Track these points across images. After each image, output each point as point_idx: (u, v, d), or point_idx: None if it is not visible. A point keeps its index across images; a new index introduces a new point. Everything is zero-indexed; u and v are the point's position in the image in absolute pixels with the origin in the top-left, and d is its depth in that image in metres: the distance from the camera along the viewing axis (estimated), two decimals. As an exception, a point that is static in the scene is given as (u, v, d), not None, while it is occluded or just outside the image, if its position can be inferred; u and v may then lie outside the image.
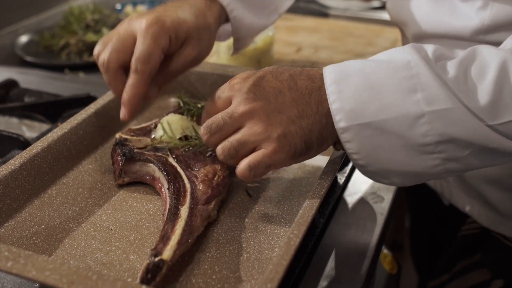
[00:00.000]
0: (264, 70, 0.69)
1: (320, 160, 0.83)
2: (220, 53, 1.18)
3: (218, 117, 0.67)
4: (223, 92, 0.69)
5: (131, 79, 0.75)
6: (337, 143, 0.68)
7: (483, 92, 0.62)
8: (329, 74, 0.66)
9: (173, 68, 0.80)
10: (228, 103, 0.68)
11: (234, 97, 0.67)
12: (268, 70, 0.69)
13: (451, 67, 0.64)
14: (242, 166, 0.65)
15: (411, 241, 1.32)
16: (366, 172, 0.69)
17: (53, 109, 1.05)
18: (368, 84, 0.63)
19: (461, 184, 1.03)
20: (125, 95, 0.76)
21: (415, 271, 1.29)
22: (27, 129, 1.04)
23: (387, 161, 0.65)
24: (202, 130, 0.68)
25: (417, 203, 1.23)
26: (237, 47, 0.97)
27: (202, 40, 0.81)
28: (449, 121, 0.62)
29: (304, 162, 0.82)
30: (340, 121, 0.64)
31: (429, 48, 0.66)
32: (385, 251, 1.07)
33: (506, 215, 0.97)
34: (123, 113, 0.77)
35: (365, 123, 0.63)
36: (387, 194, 0.84)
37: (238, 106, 0.66)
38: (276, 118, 0.65)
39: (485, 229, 1.01)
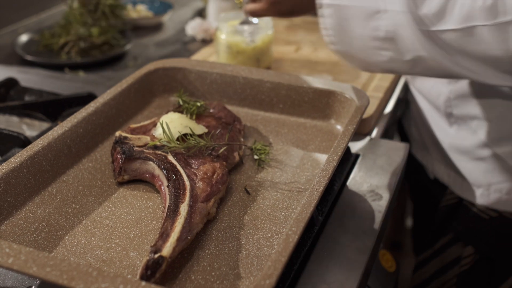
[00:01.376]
0: None
1: (319, 158, 0.83)
2: (220, 52, 1.18)
3: None
4: None
5: None
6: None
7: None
8: None
9: None
10: None
11: None
12: None
13: None
14: (247, 8, 1.00)
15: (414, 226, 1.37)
16: (334, 51, 0.85)
17: (53, 108, 1.05)
18: None
19: (440, 155, 1.11)
20: None
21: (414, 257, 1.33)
22: (27, 127, 1.04)
23: (348, 45, 0.83)
24: None
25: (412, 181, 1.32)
26: None
27: None
28: (395, 22, 0.76)
29: (302, 160, 0.83)
30: None
31: None
32: (383, 249, 1.08)
33: (475, 183, 1.04)
34: None
35: (336, 4, 0.80)
36: (386, 192, 0.84)
37: None
38: None
39: (461, 199, 1.08)
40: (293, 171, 0.81)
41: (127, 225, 0.71)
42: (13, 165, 0.72)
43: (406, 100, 1.26)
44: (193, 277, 0.63)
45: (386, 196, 0.84)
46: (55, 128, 0.80)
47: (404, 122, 1.28)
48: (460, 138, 1.04)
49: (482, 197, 1.04)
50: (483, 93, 0.99)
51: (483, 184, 1.03)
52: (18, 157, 0.73)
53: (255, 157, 0.83)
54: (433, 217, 1.15)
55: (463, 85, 1.01)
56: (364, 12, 0.78)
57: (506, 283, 1.04)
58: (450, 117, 1.04)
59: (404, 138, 1.28)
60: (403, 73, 0.96)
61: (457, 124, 1.04)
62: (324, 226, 0.77)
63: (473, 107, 1.00)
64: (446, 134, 1.07)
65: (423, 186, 1.23)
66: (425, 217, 1.27)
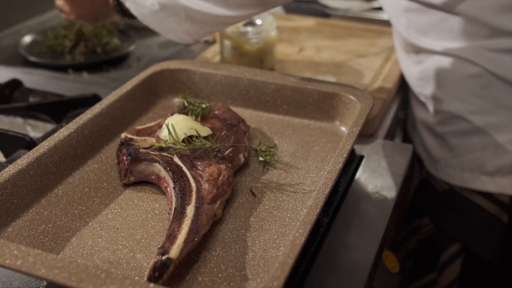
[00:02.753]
0: None
1: (324, 160, 0.84)
2: (223, 54, 1.18)
3: None
4: None
5: None
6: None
7: None
8: None
9: None
10: None
11: None
12: None
13: None
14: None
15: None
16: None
17: (57, 109, 1.05)
18: None
19: (414, 130, 1.20)
20: None
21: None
22: (32, 129, 1.04)
23: (149, 23, 0.98)
24: None
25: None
26: None
27: None
28: None
29: (307, 161, 0.83)
30: None
31: None
32: (387, 250, 1.08)
33: (435, 158, 1.12)
34: None
35: None
36: (390, 193, 0.85)
37: None
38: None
39: (429, 174, 1.15)
40: (298, 173, 0.81)
41: (134, 227, 0.71)
42: (19, 167, 0.72)
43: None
44: (200, 279, 0.63)
45: (390, 197, 0.84)
46: (61, 130, 0.80)
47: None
48: (427, 116, 1.12)
49: (439, 171, 1.12)
50: (441, 75, 1.06)
51: (440, 159, 1.11)
52: (25, 159, 0.73)
53: (260, 158, 0.83)
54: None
55: (426, 67, 1.09)
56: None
57: (448, 251, 1.11)
58: (420, 95, 1.12)
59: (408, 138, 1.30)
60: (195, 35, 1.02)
61: (424, 103, 1.12)
62: (330, 228, 0.77)
63: (432, 88, 1.08)
64: (419, 110, 1.15)
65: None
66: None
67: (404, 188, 0.91)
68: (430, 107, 1.10)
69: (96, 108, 0.86)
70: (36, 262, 0.56)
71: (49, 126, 1.04)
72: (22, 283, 0.67)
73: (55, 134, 0.79)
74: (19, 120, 1.06)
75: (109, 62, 1.34)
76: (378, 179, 0.88)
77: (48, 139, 0.78)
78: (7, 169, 0.71)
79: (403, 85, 1.23)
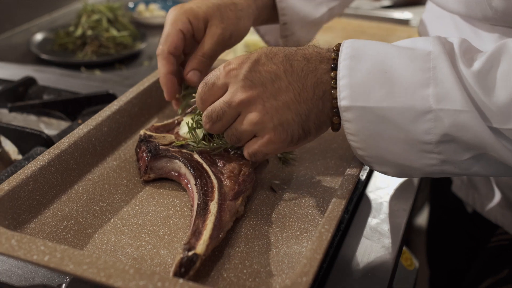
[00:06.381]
0: (259, 52, 0.67)
1: (342, 156, 0.84)
2: (237, 51, 1.18)
3: (217, 107, 0.68)
4: (218, 78, 0.68)
5: (158, 62, 0.85)
6: (335, 125, 0.68)
7: (505, 90, 0.59)
8: (346, 48, 0.64)
9: (204, 49, 0.84)
10: (224, 90, 0.68)
11: (230, 84, 0.67)
12: (262, 51, 0.67)
13: (478, 61, 0.61)
14: (245, 153, 0.71)
15: (428, 243, 1.32)
16: (359, 156, 0.68)
17: (72, 107, 1.05)
18: (382, 68, 0.62)
19: (495, 195, 1.00)
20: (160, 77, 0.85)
21: (429, 270, 1.30)
22: (45, 126, 1.04)
23: (383, 150, 0.65)
24: (203, 118, 0.70)
25: (439, 207, 1.24)
26: (285, 34, 0.96)
27: (226, 18, 0.84)
28: (455, 122, 0.59)
29: (326, 158, 0.83)
30: (344, 99, 0.63)
31: (455, 41, 0.64)
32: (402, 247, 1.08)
33: None
34: (164, 94, 0.86)
35: (368, 107, 0.62)
36: (410, 191, 0.84)
37: (235, 94, 0.66)
38: (272, 106, 0.65)
39: None
40: (317, 169, 0.81)
41: (156, 223, 0.71)
42: (41, 164, 0.72)
43: None
44: (225, 275, 0.63)
45: (410, 195, 0.84)
46: (80, 127, 0.80)
47: None
48: None
49: None
50: None
51: None
52: (46, 155, 0.73)
53: (279, 155, 0.83)
54: (476, 256, 1.07)
55: None
56: (405, 116, 0.61)
57: None
58: None
59: None
60: (453, 175, 0.84)
61: None
62: (350, 224, 0.77)
63: None
64: None
65: (456, 219, 1.16)
66: (463, 253, 1.18)
67: (423, 182, 0.91)
68: None
69: (114, 105, 0.86)
70: (64, 258, 0.56)
71: (63, 124, 1.04)
72: (45, 279, 0.67)
73: (75, 131, 0.79)
74: (32, 118, 1.06)
75: (121, 60, 1.33)
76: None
77: (68, 135, 0.78)
78: (28, 166, 0.71)
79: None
